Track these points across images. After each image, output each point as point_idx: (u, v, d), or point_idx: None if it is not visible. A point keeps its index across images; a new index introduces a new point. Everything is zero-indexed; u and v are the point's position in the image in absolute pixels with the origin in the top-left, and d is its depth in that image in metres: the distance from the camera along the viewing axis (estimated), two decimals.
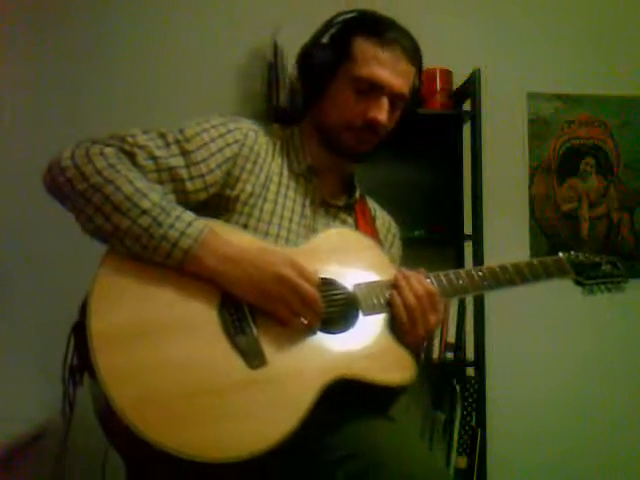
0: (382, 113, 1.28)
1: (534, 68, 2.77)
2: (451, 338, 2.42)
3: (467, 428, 2.38)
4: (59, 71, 2.56)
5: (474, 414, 2.38)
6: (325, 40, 1.33)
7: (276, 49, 2.43)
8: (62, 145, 1.15)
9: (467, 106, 2.57)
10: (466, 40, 2.71)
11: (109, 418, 1.00)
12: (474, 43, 2.71)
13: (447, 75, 2.53)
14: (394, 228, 1.52)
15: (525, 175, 2.76)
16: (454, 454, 2.35)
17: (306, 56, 1.33)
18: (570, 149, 2.79)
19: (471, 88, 2.49)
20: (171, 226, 1.08)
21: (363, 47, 1.28)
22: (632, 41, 2.84)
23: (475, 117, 2.48)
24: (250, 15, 2.63)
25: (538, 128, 2.77)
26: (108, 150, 1.13)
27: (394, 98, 1.30)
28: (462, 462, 2.36)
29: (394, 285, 1.24)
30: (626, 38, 2.83)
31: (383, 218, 1.51)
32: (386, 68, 1.28)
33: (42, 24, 2.56)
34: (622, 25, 2.84)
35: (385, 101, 1.29)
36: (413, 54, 1.32)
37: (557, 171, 2.78)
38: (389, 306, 1.23)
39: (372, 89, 1.28)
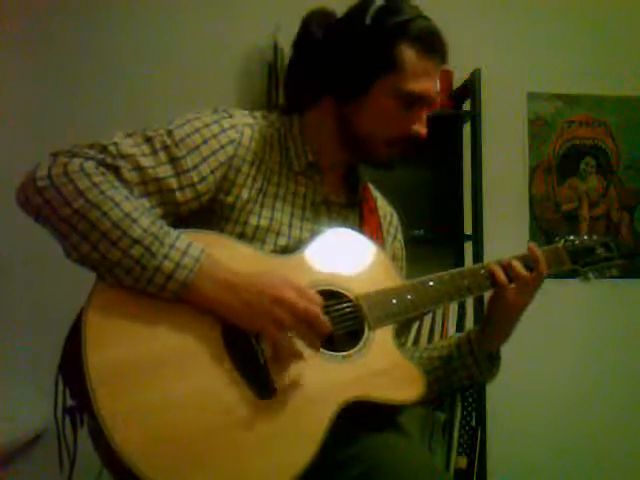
0: (425, 127, 1.23)
1: (534, 68, 2.77)
2: None
3: (467, 428, 2.38)
4: (58, 71, 2.56)
5: (474, 414, 2.38)
6: (363, 38, 1.17)
7: (276, 49, 2.43)
8: (61, 145, 1.07)
9: (467, 106, 2.57)
10: (466, 40, 2.70)
11: (112, 462, 0.93)
12: (474, 43, 2.71)
13: (447, 75, 2.53)
14: (396, 221, 1.44)
15: (525, 175, 2.76)
16: (454, 454, 2.35)
17: (336, 48, 1.19)
18: (570, 149, 2.79)
19: (471, 88, 2.49)
20: (165, 256, 0.99)
21: (412, 59, 1.17)
22: (632, 41, 2.84)
23: (475, 117, 2.49)
24: (250, 15, 2.63)
25: (538, 128, 2.77)
26: (88, 165, 1.02)
27: (430, 106, 1.24)
28: (462, 462, 2.35)
29: (532, 259, 1.24)
30: (626, 38, 2.83)
31: (385, 209, 1.42)
32: (431, 79, 1.20)
33: (41, 23, 2.56)
34: (622, 25, 2.84)
35: (426, 114, 1.23)
36: (446, 54, 1.24)
37: (557, 171, 2.78)
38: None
39: (417, 102, 1.20)
